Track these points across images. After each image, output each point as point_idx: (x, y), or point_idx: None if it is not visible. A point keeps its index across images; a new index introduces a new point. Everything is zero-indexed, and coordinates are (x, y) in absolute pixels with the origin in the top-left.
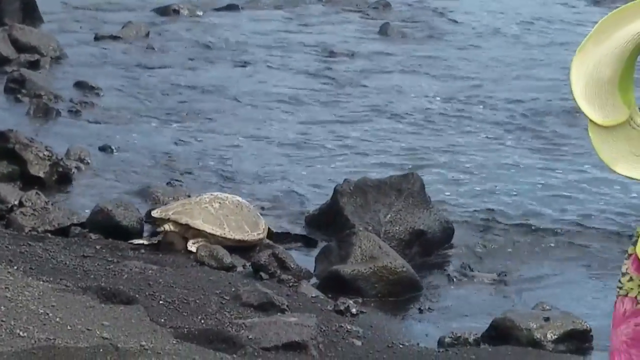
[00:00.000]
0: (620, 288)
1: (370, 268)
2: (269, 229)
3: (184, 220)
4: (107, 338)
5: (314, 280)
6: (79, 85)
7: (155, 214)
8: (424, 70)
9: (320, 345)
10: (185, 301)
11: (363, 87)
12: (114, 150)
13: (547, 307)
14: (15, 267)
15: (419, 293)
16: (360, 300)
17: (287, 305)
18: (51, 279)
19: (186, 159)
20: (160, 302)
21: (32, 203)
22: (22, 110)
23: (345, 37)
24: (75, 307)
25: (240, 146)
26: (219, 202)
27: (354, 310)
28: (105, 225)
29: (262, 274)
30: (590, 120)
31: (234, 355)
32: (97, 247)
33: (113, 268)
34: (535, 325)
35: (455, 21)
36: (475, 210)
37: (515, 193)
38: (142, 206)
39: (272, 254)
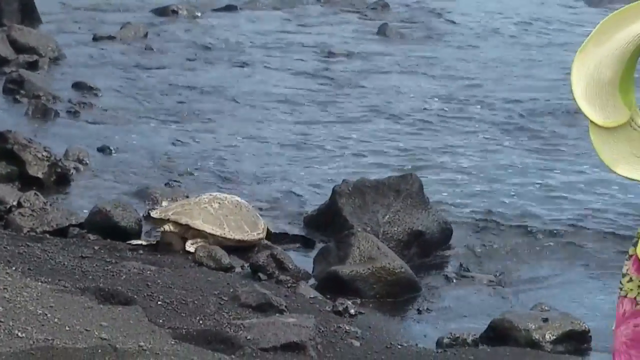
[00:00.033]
0: (621, 289)
1: (369, 269)
2: (267, 229)
3: (183, 220)
4: (105, 339)
5: (312, 281)
6: (78, 85)
7: (154, 214)
8: (422, 71)
9: (318, 346)
10: (184, 302)
11: (361, 87)
12: (113, 151)
13: (546, 308)
14: (14, 268)
15: (417, 294)
16: (358, 301)
17: (285, 306)
18: (49, 279)
19: (185, 159)
20: (159, 302)
21: (30, 204)
22: (21, 111)
23: (344, 38)
24: (74, 307)
25: (239, 147)
26: (219, 202)
27: (352, 311)
28: (103, 226)
29: (261, 274)
30: (591, 122)
31: (233, 356)
32: (96, 247)
33: (111, 269)
34: (533, 326)
35: (454, 22)
36: (473, 211)
37: (513, 194)
38: (141, 207)
39: (271, 255)
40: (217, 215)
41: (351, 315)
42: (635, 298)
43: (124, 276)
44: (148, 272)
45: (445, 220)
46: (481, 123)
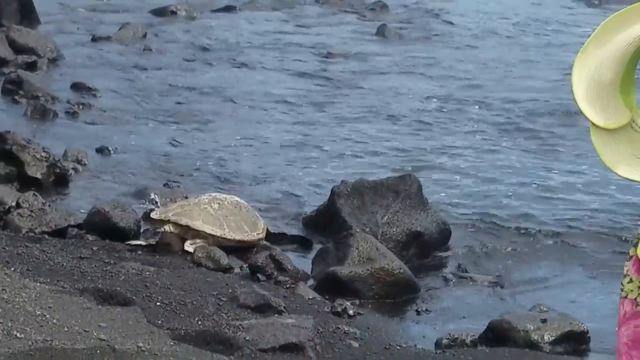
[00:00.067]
0: (622, 290)
1: (368, 269)
2: (267, 229)
3: (183, 221)
4: (104, 339)
5: (311, 281)
6: (76, 86)
7: (154, 215)
8: (421, 72)
9: (317, 347)
10: (183, 303)
11: (360, 88)
12: (111, 152)
13: (545, 309)
14: (13, 269)
15: (416, 295)
16: (357, 301)
17: (284, 307)
18: (48, 280)
19: (183, 160)
20: (158, 303)
21: (29, 204)
22: (20, 112)
23: (343, 39)
24: (72, 308)
25: (238, 147)
26: (218, 203)
27: (351, 312)
28: (102, 227)
29: (259, 275)
30: (592, 123)
31: (231, 357)
32: (94, 248)
33: (110, 269)
34: (532, 327)
35: (452, 23)
36: (472, 212)
37: (512, 194)
38: (139, 207)
39: (270, 256)
40: (217, 215)
41: (350, 316)
42: (635, 299)
43: (123, 277)
44: (147, 273)
45: (444, 221)
46: (480, 124)
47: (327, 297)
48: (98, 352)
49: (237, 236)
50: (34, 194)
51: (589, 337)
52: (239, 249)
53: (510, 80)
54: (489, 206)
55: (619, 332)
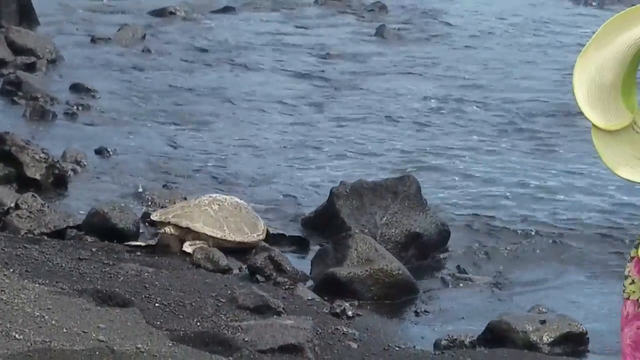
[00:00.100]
0: (624, 291)
1: (367, 271)
2: (267, 230)
3: (184, 223)
4: (103, 341)
5: (310, 282)
6: (75, 87)
7: (155, 217)
8: (419, 72)
9: (316, 348)
10: (181, 304)
11: (359, 89)
12: (110, 153)
13: (543, 310)
14: (11, 270)
15: (415, 296)
16: (356, 302)
17: (283, 308)
18: (47, 281)
19: (182, 161)
20: (156, 304)
21: (28, 205)
22: (19, 113)
23: (342, 40)
24: (71, 309)
25: (236, 148)
26: (219, 204)
27: (350, 313)
28: (101, 228)
29: (258, 276)
30: (593, 125)
31: (230, 358)
32: (93, 249)
33: (109, 270)
34: (531, 328)
35: (451, 24)
36: (471, 213)
37: (511, 195)
38: (138, 208)
39: (268, 257)
40: (217, 217)
41: (349, 317)
42: (637, 300)
43: (122, 278)
44: (146, 274)
45: (442, 222)
46: (479, 124)
47: (326, 298)
48: (97, 353)
49: (238, 238)
50: (32, 195)
51: (588, 338)
52: (238, 250)
53: (509, 81)
54: (488, 207)
55: (622, 334)
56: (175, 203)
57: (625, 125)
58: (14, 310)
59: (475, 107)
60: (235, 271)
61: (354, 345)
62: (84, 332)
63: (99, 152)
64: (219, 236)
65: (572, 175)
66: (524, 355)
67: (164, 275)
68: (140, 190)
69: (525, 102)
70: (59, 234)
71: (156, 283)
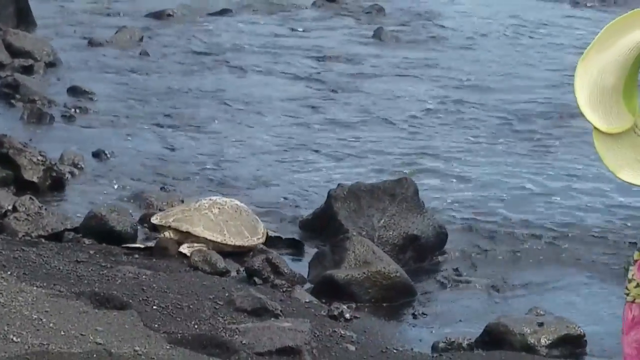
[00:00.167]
0: (627, 294)
1: (364, 273)
2: (267, 233)
3: (184, 227)
4: (100, 343)
5: (307, 285)
6: (73, 90)
7: (155, 220)
8: (417, 75)
9: (314, 351)
10: (179, 306)
11: (357, 91)
12: (108, 156)
13: (541, 312)
14: (9, 273)
15: (412, 298)
16: (354, 305)
17: (280, 311)
18: (45, 284)
19: (180, 164)
20: (154, 307)
21: (25, 208)
22: (16, 115)
23: (339, 42)
24: (69, 312)
25: (234, 151)
26: (219, 208)
27: (347, 316)
28: (98, 231)
29: (256, 279)
30: (595, 128)
31: None
32: (91, 252)
33: (107, 273)
34: (529, 330)
35: (448, 26)
36: (469, 215)
37: (508, 198)
38: (136, 211)
39: (266, 259)
40: (217, 221)
41: (346, 320)
42: None
43: (119, 280)
44: (143, 277)
45: (440, 224)
46: (476, 126)
47: (323, 300)
48: (94, 356)
49: (238, 242)
50: (30, 197)
51: (586, 341)
52: (237, 253)
53: (507, 83)
54: (486, 209)
55: (628, 337)
56: (173, 206)
57: (627, 128)
58: (11, 312)
59: (472, 109)
60: (233, 273)
61: (352, 348)
62: (81, 334)
63: (97, 154)
64: (219, 240)
65: (570, 177)
66: (521, 357)
67: (161, 278)
68: (138, 193)
69: (522, 104)
70: (56, 237)
71: (154, 285)
